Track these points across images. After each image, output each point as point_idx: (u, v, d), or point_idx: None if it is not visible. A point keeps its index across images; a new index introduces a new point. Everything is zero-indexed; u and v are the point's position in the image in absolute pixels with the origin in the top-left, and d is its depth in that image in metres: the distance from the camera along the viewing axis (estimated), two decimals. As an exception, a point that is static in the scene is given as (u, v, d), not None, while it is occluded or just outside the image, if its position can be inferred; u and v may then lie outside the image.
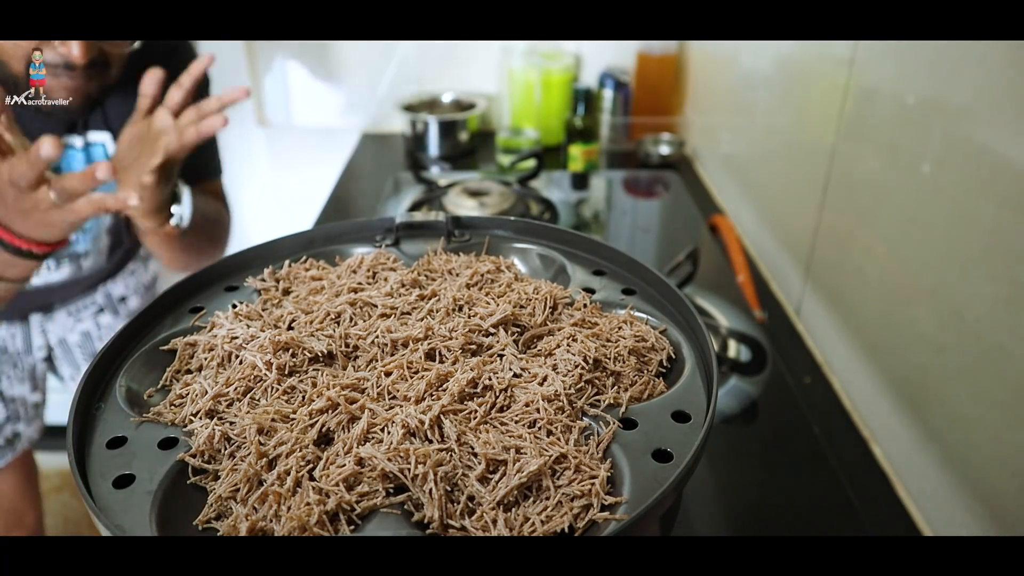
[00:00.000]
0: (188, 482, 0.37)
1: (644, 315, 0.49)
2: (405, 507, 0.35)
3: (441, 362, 0.44)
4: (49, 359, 1.07)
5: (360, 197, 1.30)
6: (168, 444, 0.39)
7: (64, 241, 0.74)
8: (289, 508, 0.34)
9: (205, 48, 0.99)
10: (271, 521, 0.34)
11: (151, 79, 0.75)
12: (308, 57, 1.53)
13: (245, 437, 0.38)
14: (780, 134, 0.99)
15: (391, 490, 0.36)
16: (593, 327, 0.47)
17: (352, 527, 0.34)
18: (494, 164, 1.40)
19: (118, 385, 0.43)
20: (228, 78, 1.50)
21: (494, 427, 0.39)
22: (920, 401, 0.64)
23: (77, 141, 0.84)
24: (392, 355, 0.44)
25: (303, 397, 0.41)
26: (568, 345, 0.45)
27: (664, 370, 0.46)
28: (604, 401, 0.42)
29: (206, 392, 0.41)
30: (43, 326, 1.03)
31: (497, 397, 0.41)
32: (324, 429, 0.39)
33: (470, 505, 0.35)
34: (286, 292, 0.53)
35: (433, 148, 1.43)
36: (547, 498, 0.35)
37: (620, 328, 0.47)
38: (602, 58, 1.49)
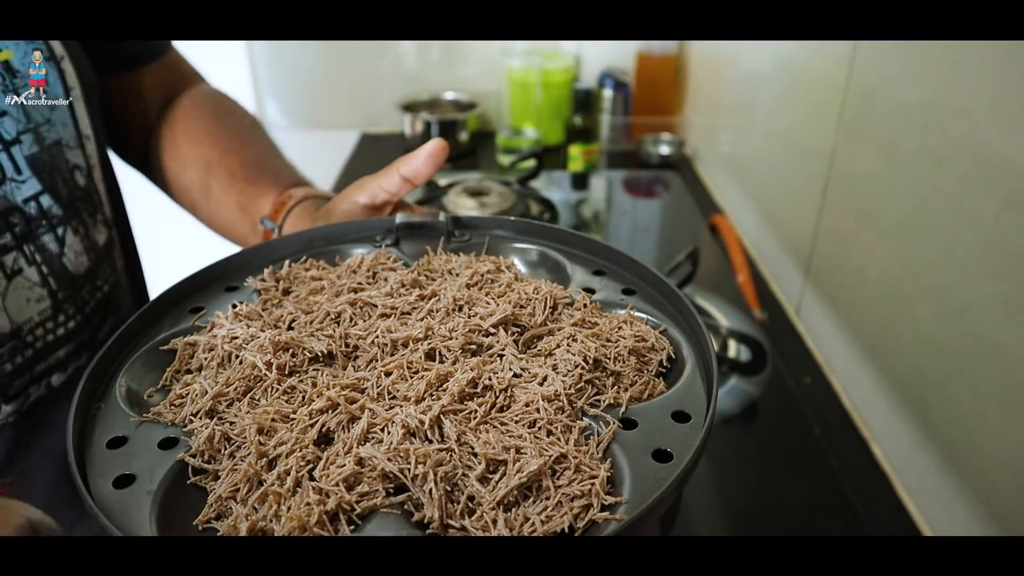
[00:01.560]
0: (188, 482, 0.37)
1: (644, 315, 0.49)
2: (405, 507, 0.35)
3: (441, 362, 0.43)
4: None
5: (360, 197, 1.29)
6: (168, 444, 0.39)
7: None
8: (289, 508, 0.34)
9: (205, 47, 0.98)
10: (271, 521, 0.34)
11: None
12: (308, 57, 1.53)
13: (245, 437, 0.38)
14: (780, 134, 0.99)
15: (391, 490, 0.36)
16: (593, 327, 0.47)
17: (352, 527, 0.34)
18: (494, 164, 1.40)
19: (118, 385, 0.43)
20: (229, 78, 1.50)
21: (494, 427, 0.39)
22: (920, 401, 0.64)
23: None
24: (392, 355, 0.44)
25: (303, 397, 0.41)
26: (568, 345, 0.45)
27: (664, 370, 0.46)
28: (604, 401, 0.42)
29: (206, 392, 0.41)
30: None
31: (497, 397, 0.41)
32: (324, 429, 0.39)
33: (470, 505, 0.35)
34: (286, 292, 0.53)
35: (433, 148, 1.43)
36: (547, 498, 0.35)
37: (620, 328, 0.47)
38: (602, 58, 1.49)
